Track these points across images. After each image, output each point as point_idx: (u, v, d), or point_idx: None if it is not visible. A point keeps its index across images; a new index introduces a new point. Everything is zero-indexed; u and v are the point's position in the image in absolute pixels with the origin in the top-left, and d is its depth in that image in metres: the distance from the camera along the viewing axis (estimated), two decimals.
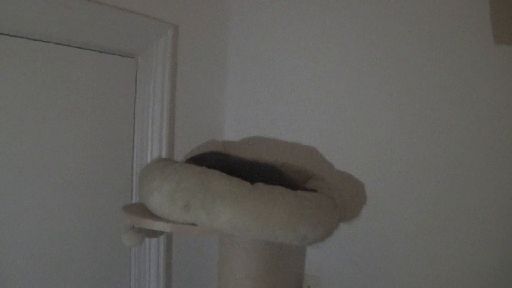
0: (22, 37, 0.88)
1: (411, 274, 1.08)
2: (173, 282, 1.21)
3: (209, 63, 1.33)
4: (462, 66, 1.02)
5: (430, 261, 1.05)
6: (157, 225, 0.83)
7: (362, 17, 1.15)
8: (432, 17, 1.05)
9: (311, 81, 1.23)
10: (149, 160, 1.12)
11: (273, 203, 0.79)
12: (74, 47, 0.98)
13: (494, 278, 0.98)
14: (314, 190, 0.93)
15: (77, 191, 1.01)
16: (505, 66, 0.96)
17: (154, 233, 0.98)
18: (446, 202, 1.04)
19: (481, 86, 0.99)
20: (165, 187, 0.81)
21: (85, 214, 1.03)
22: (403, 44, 1.08)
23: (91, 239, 1.04)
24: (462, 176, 1.02)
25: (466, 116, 1.01)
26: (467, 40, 1.01)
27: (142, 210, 0.88)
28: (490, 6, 0.97)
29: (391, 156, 1.10)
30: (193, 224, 0.81)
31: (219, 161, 0.91)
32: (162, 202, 0.81)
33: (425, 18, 1.06)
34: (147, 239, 1.11)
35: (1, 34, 0.85)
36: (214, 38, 1.34)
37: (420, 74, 1.06)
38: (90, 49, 1.02)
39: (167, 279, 1.18)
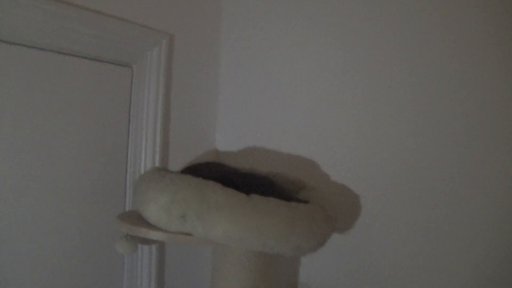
0: (16, 44, 0.92)
1: (404, 286, 1.09)
2: None
3: (203, 72, 1.37)
4: (467, 78, 1.02)
5: (425, 273, 1.07)
6: (153, 235, 0.85)
7: (362, 18, 1.15)
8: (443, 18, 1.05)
9: (306, 92, 1.25)
10: (142, 169, 1.16)
11: (267, 214, 0.84)
12: (69, 55, 1.02)
13: None
14: (307, 201, 0.97)
15: (70, 199, 1.04)
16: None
17: (148, 241, 1.01)
18: (442, 217, 1.04)
19: (483, 98, 1.00)
20: (161, 197, 0.85)
21: (77, 221, 1.06)
22: (409, 48, 1.08)
23: (83, 247, 1.07)
24: (462, 192, 1.02)
25: (468, 130, 1.02)
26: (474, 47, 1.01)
27: (137, 218, 0.91)
28: None
29: (389, 169, 1.11)
30: (189, 234, 0.84)
31: (215, 172, 0.95)
32: (159, 213, 0.84)
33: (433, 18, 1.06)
34: (139, 247, 1.15)
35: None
36: (208, 47, 1.39)
37: (421, 87, 1.07)
38: (85, 57, 1.05)
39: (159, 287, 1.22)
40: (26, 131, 0.95)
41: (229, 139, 1.41)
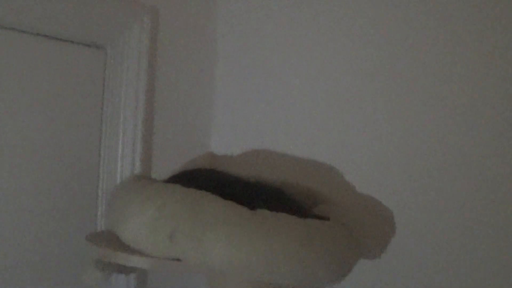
0: None
1: None
2: None
3: (196, 57, 1.32)
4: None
5: None
6: (133, 261, 0.79)
7: (368, 12, 1.12)
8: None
9: (323, 78, 1.19)
10: (119, 178, 1.12)
11: (277, 234, 0.77)
12: (26, 32, 0.96)
13: None
14: (326, 218, 0.91)
15: (25, 214, 0.99)
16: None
17: (125, 269, 0.93)
18: (499, 239, 0.97)
19: None
20: (144, 213, 0.78)
21: (35, 244, 1.01)
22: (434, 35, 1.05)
23: (42, 277, 1.02)
24: None
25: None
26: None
27: (111, 240, 0.84)
28: None
29: (430, 178, 1.05)
30: (177, 260, 0.78)
31: (211, 181, 0.90)
32: (140, 232, 0.78)
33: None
34: (114, 277, 1.09)
35: None
36: (203, 28, 1.33)
37: (465, 78, 1.02)
38: (47, 36, 1.00)
39: None
40: None
41: (227, 140, 1.37)
